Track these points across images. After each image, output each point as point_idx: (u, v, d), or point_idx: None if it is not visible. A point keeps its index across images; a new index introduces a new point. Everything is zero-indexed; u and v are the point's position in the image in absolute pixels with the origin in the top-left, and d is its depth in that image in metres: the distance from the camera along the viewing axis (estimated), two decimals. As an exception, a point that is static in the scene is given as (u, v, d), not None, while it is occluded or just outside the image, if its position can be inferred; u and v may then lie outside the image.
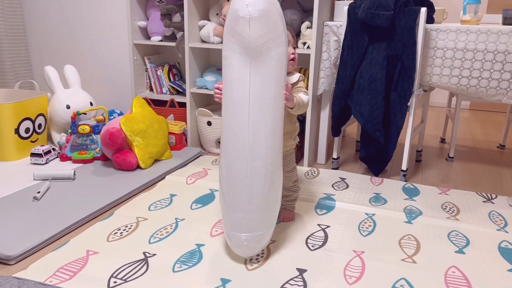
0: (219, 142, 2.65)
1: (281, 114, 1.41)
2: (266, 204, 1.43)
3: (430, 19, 2.18)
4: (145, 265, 1.45)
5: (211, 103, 2.93)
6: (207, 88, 2.65)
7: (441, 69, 2.18)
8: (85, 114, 2.61)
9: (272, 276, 1.41)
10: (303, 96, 1.56)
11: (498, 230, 1.77)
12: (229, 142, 1.39)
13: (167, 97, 2.80)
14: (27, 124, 2.49)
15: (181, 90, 2.81)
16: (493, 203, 2.04)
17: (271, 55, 1.34)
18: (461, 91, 2.21)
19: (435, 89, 2.55)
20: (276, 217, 1.50)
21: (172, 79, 2.88)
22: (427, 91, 2.43)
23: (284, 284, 1.37)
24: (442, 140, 3.13)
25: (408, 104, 2.17)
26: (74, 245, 1.57)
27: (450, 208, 1.97)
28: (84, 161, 2.38)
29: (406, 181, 2.30)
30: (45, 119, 2.64)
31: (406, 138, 2.27)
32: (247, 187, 1.38)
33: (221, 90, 1.46)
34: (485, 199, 2.08)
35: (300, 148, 2.55)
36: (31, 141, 2.54)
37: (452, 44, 2.12)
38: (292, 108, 1.52)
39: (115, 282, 1.36)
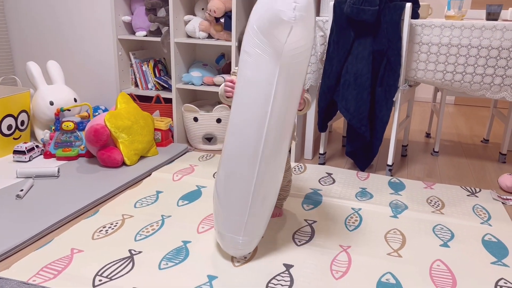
0: (206, 138, 2.64)
1: (295, 117, 1.39)
2: (268, 207, 1.41)
3: (415, 15, 2.20)
4: (131, 263, 1.44)
5: (198, 99, 2.91)
6: (193, 84, 2.63)
7: (426, 64, 2.19)
8: (69, 110, 2.57)
9: (259, 272, 1.41)
10: (307, 96, 1.52)
11: (481, 223, 1.79)
12: (238, 143, 1.31)
13: (152, 93, 2.78)
14: (9, 121, 2.44)
15: (166, 86, 2.78)
16: (477, 196, 2.06)
17: (299, 60, 1.27)
18: (445, 86, 2.23)
19: (420, 84, 2.56)
20: (269, 217, 1.48)
21: (157, 75, 2.85)
22: (413, 86, 2.45)
23: (271, 280, 1.37)
24: (427, 135, 3.16)
25: (394, 99, 2.19)
26: (58, 244, 1.55)
27: (435, 202, 1.99)
28: (69, 158, 2.35)
29: (392, 175, 2.32)
30: (28, 116, 2.59)
31: (392, 133, 2.28)
32: (254, 190, 1.33)
33: (234, 84, 1.37)
34: (469, 193, 2.10)
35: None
36: (14, 138, 2.49)
37: (437, 40, 2.14)
38: (300, 110, 1.49)
39: (100, 280, 1.34)
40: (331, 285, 1.35)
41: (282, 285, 1.34)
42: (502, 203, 2.00)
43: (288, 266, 1.44)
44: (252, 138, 1.29)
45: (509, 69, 2.09)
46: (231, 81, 1.45)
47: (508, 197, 2.05)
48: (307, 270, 1.43)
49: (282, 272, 1.41)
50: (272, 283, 1.35)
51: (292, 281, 1.37)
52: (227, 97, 1.51)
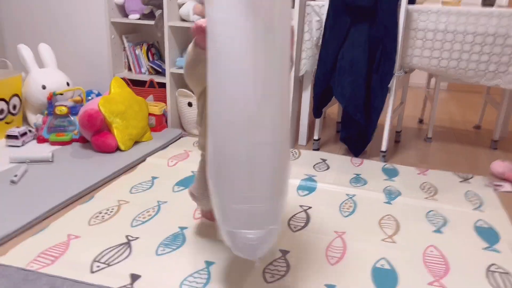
0: (200, 123, 2.63)
1: (289, 69, 1.07)
2: (278, 189, 1.09)
3: (411, 0, 2.18)
4: (128, 249, 1.44)
5: (192, 84, 2.89)
6: (187, 68, 2.60)
7: (422, 51, 2.19)
8: (61, 94, 2.54)
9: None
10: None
11: (474, 209, 1.82)
12: (224, 112, 0.98)
13: (146, 77, 2.75)
14: (1, 105, 2.41)
15: (160, 70, 2.76)
16: (469, 183, 2.09)
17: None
18: (440, 72, 2.24)
19: (414, 70, 2.57)
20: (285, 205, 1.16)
21: (151, 59, 2.82)
22: (407, 72, 2.45)
23: (267, 265, 1.38)
24: (420, 121, 3.18)
25: (389, 85, 2.19)
26: (54, 230, 1.54)
27: (428, 188, 2.01)
28: (62, 143, 2.33)
29: (385, 162, 2.34)
30: (20, 100, 2.56)
31: (386, 119, 2.29)
32: (251, 168, 1.00)
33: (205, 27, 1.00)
34: (462, 179, 2.13)
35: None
36: (6, 123, 2.46)
37: (433, 26, 2.13)
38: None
39: (98, 266, 1.35)
40: (327, 271, 1.37)
41: (278, 271, 1.36)
42: (494, 189, 2.03)
43: (284, 252, 1.46)
44: (238, 102, 0.97)
45: (504, 56, 2.09)
46: (201, 26, 1.04)
47: (500, 183, 2.08)
48: (302, 256, 1.44)
49: (279, 258, 1.42)
50: (269, 269, 1.37)
51: (288, 267, 1.38)
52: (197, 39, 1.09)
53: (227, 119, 0.99)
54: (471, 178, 2.15)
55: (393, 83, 2.19)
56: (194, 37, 1.12)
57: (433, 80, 3.06)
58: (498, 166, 2.18)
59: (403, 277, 1.36)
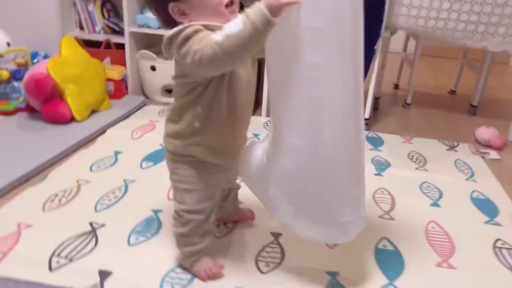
0: (166, 90, 2.37)
1: None
2: None
3: (400, -47, 2.00)
4: (94, 239, 1.22)
5: (155, 45, 2.59)
6: (149, 27, 2.31)
7: (409, 10, 2.04)
8: (1, 56, 2.18)
9: (245, 244, 1.25)
10: None
11: (466, 179, 1.72)
12: (316, 99, 0.90)
13: (101, 37, 2.43)
14: None
15: (117, 29, 2.44)
16: (456, 151, 2.00)
17: None
18: (427, 33, 2.10)
19: (396, 33, 2.42)
20: None
21: (106, 16, 2.49)
22: (392, 34, 2.29)
23: (260, 252, 1.21)
24: (396, 86, 3.07)
25: (375, 47, 2.02)
26: (0, 218, 1.29)
27: (417, 158, 1.90)
28: (5, 113, 2.01)
29: (368, 130, 2.20)
30: (-49, 63, 2.19)
31: (370, 84, 2.14)
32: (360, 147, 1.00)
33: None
34: (448, 147, 2.03)
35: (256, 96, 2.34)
36: None
37: (422, -18, 1.97)
38: None
39: (58, 262, 1.12)
40: (326, 255, 1.22)
41: (273, 258, 1.19)
42: (481, 157, 1.95)
43: (276, 235, 1.29)
44: (338, 85, 0.90)
45: (494, 16, 1.97)
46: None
47: (486, 151, 2.00)
48: (297, 239, 1.26)
49: (271, 242, 1.25)
50: (262, 256, 1.19)
51: (283, 251, 1.22)
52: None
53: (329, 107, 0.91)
54: (457, 146, 2.06)
55: (379, 46, 2.03)
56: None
57: (410, 46, 2.93)
58: (484, 132, 2.10)
59: (409, 258, 1.23)
